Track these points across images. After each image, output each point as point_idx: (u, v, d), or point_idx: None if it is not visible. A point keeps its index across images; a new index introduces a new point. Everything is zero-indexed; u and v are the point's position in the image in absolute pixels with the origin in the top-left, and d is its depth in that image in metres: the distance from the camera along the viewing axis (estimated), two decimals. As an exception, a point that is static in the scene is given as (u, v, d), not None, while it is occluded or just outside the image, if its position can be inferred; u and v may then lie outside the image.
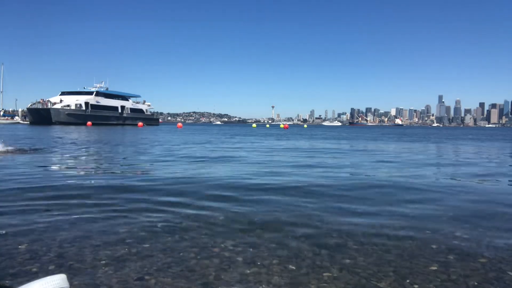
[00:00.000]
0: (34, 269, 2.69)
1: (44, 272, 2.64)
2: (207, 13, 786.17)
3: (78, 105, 63.88)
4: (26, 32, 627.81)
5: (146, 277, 2.60)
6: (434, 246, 3.28)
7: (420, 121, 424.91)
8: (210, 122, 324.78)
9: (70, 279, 1.66)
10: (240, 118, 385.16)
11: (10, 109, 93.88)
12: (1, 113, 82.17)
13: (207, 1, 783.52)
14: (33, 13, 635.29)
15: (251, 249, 3.15)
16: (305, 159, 11.31)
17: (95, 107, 67.19)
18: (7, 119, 76.26)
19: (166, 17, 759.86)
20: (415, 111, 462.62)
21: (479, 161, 11.42)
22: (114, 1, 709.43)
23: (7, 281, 2.46)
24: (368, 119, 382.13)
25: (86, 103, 65.61)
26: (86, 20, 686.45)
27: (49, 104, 60.87)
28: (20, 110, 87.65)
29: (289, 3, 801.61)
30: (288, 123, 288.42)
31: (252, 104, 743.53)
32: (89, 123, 59.64)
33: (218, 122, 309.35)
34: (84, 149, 13.75)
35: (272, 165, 9.43)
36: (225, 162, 10.02)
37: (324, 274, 2.69)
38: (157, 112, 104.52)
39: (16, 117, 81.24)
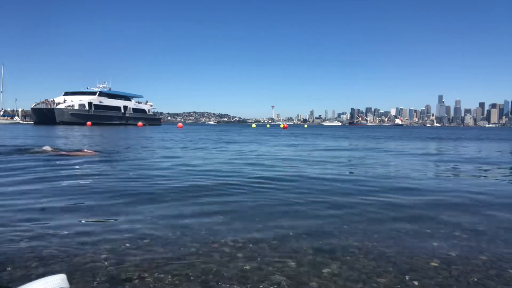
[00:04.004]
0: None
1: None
2: (207, 14, 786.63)
3: (82, 105, 63.74)
4: (27, 32, 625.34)
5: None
6: None
7: (420, 121, 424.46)
8: (210, 122, 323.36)
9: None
10: (240, 118, 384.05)
11: (9, 109, 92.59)
12: (1, 113, 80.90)
13: (208, 2, 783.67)
14: (35, 13, 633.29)
15: None
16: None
17: (98, 107, 67.03)
18: (6, 119, 75.24)
19: (167, 17, 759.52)
20: (415, 111, 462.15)
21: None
22: (116, 1, 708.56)
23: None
24: (368, 119, 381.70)
25: (89, 103, 65.52)
26: (88, 20, 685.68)
27: (52, 104, 60.73)
28: (20, 110, 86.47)
29: (289, 3, 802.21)
30: (288, 123, 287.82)
31: (252, 104, 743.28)
32: (88, 123, 58.72)
33: (212, 122, 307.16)
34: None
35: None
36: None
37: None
38: (157, 112, 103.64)
39: (16, 117, 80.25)
